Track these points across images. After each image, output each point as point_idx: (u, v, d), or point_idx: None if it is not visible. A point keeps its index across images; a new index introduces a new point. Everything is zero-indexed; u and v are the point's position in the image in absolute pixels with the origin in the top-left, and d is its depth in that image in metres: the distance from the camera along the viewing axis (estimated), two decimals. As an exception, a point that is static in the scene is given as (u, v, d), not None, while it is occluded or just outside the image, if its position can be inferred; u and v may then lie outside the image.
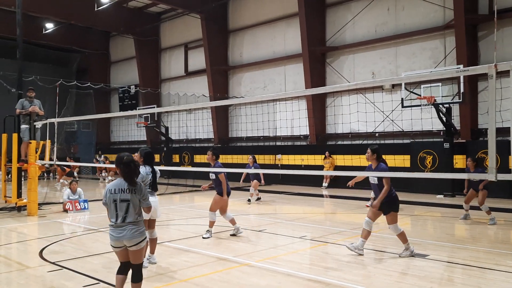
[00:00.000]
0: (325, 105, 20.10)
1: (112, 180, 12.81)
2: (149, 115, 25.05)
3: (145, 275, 5.91)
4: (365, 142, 18.58)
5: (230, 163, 21.78)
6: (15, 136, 11.96)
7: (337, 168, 17.94)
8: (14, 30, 12.97)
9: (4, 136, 12.64)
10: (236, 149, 22.78)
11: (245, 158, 21.49)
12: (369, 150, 6.91)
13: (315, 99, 19.47)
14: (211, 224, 8.45)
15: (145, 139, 28.45)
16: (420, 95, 14.86)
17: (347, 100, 19.00)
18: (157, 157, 25.61)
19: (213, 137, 24.30)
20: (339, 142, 19.56)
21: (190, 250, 7.43)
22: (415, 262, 6.53)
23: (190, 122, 25.76)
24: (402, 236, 6.82)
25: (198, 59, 25.42)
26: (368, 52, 18.74)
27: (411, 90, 15.47)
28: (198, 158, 24.30)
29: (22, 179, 12.56)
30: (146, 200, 4.56)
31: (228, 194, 8.45)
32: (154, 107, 24.51)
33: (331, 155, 18.36)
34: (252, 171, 12.64)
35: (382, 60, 18.31)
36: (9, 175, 14.13)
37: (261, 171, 13.44)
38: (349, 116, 18.91)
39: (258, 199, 14.10)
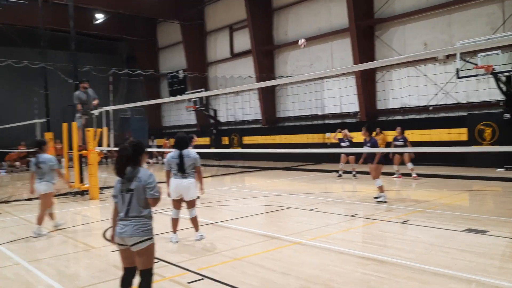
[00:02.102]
0: (374, 80, 19.51)
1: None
2: (197, 99, 25.52)
3: (198, 254, 6.14)
4: (418, 116, 17.94)
5: (278, 144, 21.82)
6: (74, 124, 12.65)
7: (388, 144, 17.46)
8: (65, 23, 13.55)
9: (65, 125, 13.41)
10: (284, 129, 22.74)
11: (293, 138, 21.49)
12: None
13: (364, 75, 18.92)
14: (380, 189, 9.60)
15: (195, 122, 29.03)
16: (477, 65, 14.07)
17: (398, 74, 18.36)
18: (207, 140, 26.19)
19: (261, 118, 24.38)
20: (391, 118, 19.00)
21: (242, 230, 7.59)
22: (473, 239, 6.30)
23: (238, 104, 25.95)
24: None
25: (243, 40, 25.39)
26: (419, 22, 17.87)
27: (467, 59, 14.65)
28: (246, 140, 24.51)
29: (83, 166, 13.30)
30: (152, 189, 3.78)
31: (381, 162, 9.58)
32: (202, 91, 24.89)
33: (382, 131, 17.88)
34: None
35: (434, 30, 17.41)
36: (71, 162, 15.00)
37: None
38: (400, 91, 18.27)
39: (354, 175, 14.83)
